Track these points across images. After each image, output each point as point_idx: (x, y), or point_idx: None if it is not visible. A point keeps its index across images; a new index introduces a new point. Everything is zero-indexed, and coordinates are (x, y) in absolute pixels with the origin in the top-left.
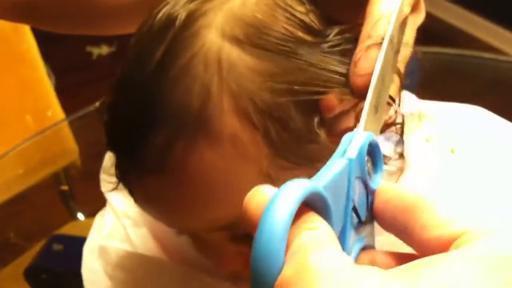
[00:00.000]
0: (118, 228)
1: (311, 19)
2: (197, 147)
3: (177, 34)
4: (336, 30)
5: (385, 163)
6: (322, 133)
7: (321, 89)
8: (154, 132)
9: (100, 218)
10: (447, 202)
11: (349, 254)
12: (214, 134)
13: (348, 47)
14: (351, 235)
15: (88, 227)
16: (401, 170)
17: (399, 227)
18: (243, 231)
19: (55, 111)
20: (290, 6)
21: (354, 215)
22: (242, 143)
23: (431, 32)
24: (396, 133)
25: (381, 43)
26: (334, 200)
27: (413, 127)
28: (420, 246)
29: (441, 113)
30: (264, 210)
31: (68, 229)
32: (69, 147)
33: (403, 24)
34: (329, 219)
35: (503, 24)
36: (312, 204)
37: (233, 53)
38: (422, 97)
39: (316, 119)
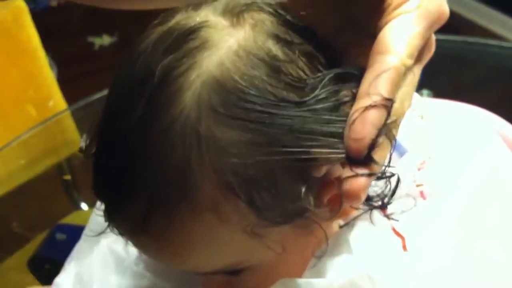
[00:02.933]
0: None
1: (300, 66)
2: (178, 216)
3: (155, 95)
4: (328, 75)
5: None
6: (309, 199)
7: (307, 156)
8: (135, 198)
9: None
10: None
11: None
12: (194, 204)
13: (343, 96)
14: None
15: None
16: None
17: None
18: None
19: (57, 101)
20: (275, 58)
21: None
22: (224, 212)
23: None
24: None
25: (381, 105)
26: None
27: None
28: None
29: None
30: None
31: (71, 219)
32: (71, 138)
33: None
34: None
35: (506, 11)
36: None
37: (211, 126)
38: (426, 85)
39: (303, 187)
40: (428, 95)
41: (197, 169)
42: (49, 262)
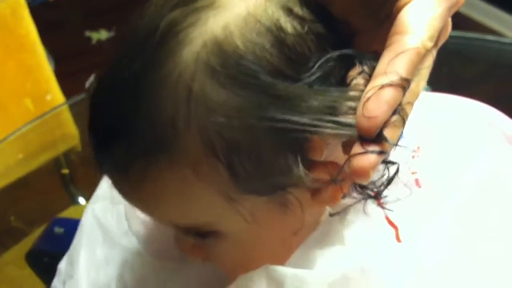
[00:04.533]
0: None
1: (307, 43)
2: (157, 167)
3: (155, 47)
4: (333, 55)
5: None
6: (299, 171)
7: (299, 127)
8: (121, 140)
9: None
10: None
11: None
12: (174, 158)
13: (349, 77)
14: None
15: None
16: None
17: None
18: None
19: (55, 95)
20: (282, 30)
21: None
22: (202, 171)
23: None
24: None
25: (397, 85)
26: None
27: None
28: None
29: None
30: None
31: (69, 213)
32: (69, 132)
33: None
34: None
35: (504, 8)
36: None
37: (204, 84)
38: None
39: (286, 162)
40: (427, 90)
41: (182, 125)
42: (47, 256)
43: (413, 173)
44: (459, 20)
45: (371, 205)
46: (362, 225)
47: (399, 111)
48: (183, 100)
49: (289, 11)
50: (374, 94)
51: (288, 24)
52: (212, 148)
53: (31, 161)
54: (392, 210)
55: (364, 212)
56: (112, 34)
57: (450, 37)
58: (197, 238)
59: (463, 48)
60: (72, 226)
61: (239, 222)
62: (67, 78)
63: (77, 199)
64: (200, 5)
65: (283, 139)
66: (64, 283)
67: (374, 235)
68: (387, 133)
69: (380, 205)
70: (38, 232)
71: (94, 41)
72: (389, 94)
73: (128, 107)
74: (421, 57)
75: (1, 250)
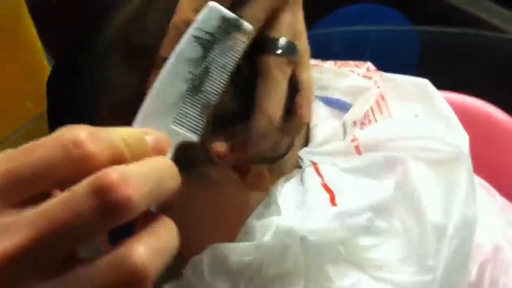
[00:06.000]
0: None
1: None
2: None
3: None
4: None
5: None
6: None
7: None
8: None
9: None
10: None
11: None
12: (98, 118)
13: None
14: None
15: None
16: None
17: None
18: None
19: None
20: None
21: None
22: None
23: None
24: None
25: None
26: None
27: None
28: None
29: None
30: None
31: None
32: None
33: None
34: None
35: (503, 3)
36: None
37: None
38: (423, 76)
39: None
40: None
41: (97, 100)
42: None
43: (353, 140)
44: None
45: (308, 172)
46: (298, 192)
47: None
48: (95, 78)
49: None
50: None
51: None
52: (120, 116)
53: None
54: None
55: (301, 179)
56: None
57: (449, 34)
58: None
59: (462, 44)
60: None
61: None
62: None
63: None
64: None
65: None
66: None
67: (309, 201)
68: None
69: (317, 172)
70: None
71: None
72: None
73: (68, 76)
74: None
75: None
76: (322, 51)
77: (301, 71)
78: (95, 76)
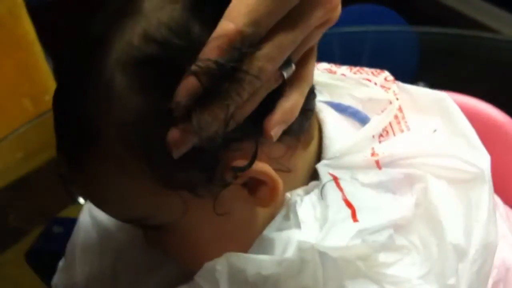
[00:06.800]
0: None
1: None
2: (91, 161)
3: (86, 56)
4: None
5: None
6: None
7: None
8: (61, 136)
9: None
10: None
11: None
12: (101, 153)
13: None
14: None
15: None
16: None
17: None
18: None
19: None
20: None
21: None
22: (126, 167)
23: (427, 14)
24: None
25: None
26: None
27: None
28: None
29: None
30: None
31: (68, 213)
32: None
33: None
34: None
35: (500, 5)
36: None
37: (121, 86)
38: (422, 77)
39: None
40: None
41: (101, 121)
42: (47, 255)
43: (373, 154)
44: (455, 17)
45: (330, 187)
46: (318, 207)
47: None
48: (102, 99)
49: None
50: (181, 83)
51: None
52: (130, 144)
53: (31, 161)
54: (348, 192)
55: (321, 194)
56: None
57: (447, 35)
58: (150, 231)
59: (460, 46)
60: (71, 225)
61: (174, 215)
62: None
63: (77, 198)
64: (122, 14)
65: None
66: (62, 279)
67: (330, 216)
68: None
69: (339, 187)
70: (37, 231)
71: None
72: (189, 82)
73: (64, 106)
74: (234, 41)
75: (0, 250)
76: (320, 51)
77: (290, 94)
78: (101, 95)
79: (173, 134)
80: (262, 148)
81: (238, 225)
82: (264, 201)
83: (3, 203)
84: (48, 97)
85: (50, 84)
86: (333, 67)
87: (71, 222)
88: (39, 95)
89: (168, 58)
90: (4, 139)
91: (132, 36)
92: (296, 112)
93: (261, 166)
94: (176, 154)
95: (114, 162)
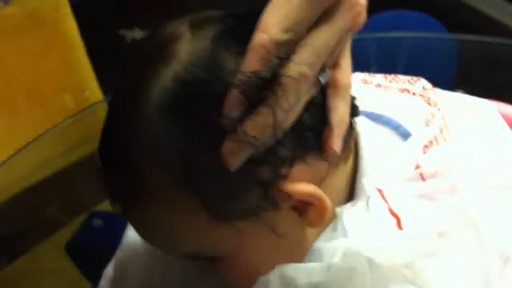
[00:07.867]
0: None
1: None
2: (142, 202)
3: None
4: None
5: None
6: (254, 200)
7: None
8: (114, 183)
9: None
10: None
11: None
12: (151, 194)
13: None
14: None
15: None
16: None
17: None
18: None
19: (93, 92)
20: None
21: None
22: (177, 203)
23: (467, 22)
24: None
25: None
26: None
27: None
28: None
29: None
30: None
31: (106, 206)
32: None
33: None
34: None
35: None
36: None
37: (163, 127)
38: (459, 86)
39: (249, 187)
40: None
41: (152, 170)
42: (87, 247)
43: (417, 167)
44: (491, 25)
45: (374, 198)
46: (364, 216)
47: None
48: (147, 149)
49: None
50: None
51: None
52: (178, 179)
53: (71, 155)
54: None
55: (367, 205)
56: (146, 33)
57: (484, 43)
58: (206, 263)
59: (497, 55)
60: (110, 219)
61: (230, 246)
62: (101, 76)
63: None
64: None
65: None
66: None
67: (375, 225)
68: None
69: (383, 198)
70: (76, 223)
71: (128, 40)
72: (233, 95)
73: (110, 161)
74: (270, 50)
75: (39, 240)
76: (356, 56)
77: (335, 104)
78: (145, 145)
79: (228, 145)
80: (307, 170)
81: (291, 246)
82: (313, 222)
83: (43, 195)
84: (88, 93)
85: (90, 81)
86: (367, 76)
87: (111, 216)
88: (80, 91)
89: (203, 94)
90: (45, 133)
91: (165, 80)
92: (347, 120)
93: (308, 188)
94: (233, 165)
95: (167, 205)
